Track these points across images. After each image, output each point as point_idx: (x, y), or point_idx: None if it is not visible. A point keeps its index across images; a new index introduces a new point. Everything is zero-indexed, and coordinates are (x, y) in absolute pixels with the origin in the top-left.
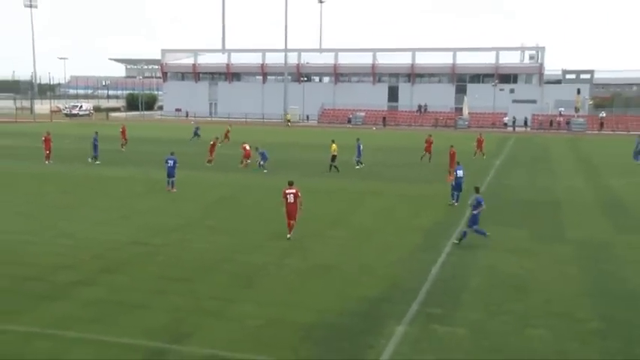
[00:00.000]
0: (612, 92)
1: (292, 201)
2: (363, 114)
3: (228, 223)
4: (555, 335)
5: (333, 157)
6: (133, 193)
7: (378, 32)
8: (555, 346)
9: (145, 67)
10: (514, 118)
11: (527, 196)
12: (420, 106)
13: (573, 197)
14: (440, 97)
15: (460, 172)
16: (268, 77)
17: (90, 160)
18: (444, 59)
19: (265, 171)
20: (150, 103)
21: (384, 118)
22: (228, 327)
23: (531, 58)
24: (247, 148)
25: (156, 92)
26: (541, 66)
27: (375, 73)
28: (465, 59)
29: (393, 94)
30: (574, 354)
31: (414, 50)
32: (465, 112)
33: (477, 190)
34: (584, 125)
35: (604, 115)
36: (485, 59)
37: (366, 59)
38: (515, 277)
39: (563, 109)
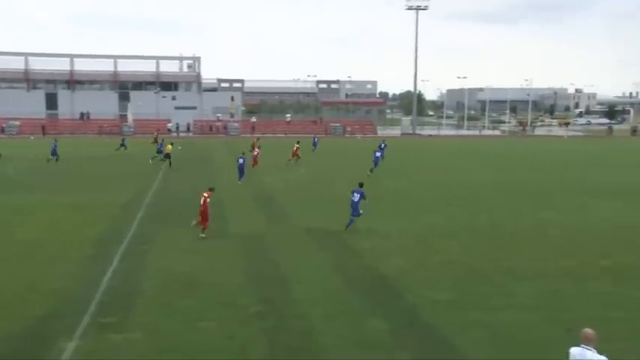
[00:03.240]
0: (260, 100)
1: (202, 203)
2: (18, 123)
3: None
4: (223, 324)
5: (167, 155)
6: None
7: (30, 36)
8: (223, 333)
9: None
10: (177, 124)
11: (194, 197)
12: (82, 114)
13: (234, 195)
14: (103, 105)
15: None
16: None
17: None
18: (104, 66)
19: None
20: None
21: (44, 127)
22: None
23: (189, 67)
24: None
25: None
26: (199, 75)
27: (28, 79)
28: (127, 67)
29: (51, 102)
30: (239, 337)
31: (72, 56)
32: (130, 119)
33: (360, 185)
34: (239, 129)
35: (255, 119)
36: (147, 67)
37: (17, 64)
38: (186, 275)
39: (220, 114)
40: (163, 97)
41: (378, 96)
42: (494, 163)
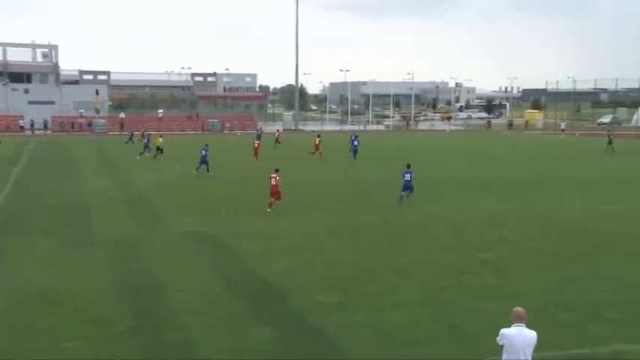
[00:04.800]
0: (129, 93)
1: (274, 183)
2: None
3: None
4: (90, 342)
5: (157, 148)
6: None
7: None
8: (90, 353)
9: None
10: (32, 120)
11: (54, 202)
12: None
13: (100, 198)
14: None
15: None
16: None
17: None
18: None
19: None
20: None
21: None
22: None
23: (45, 56)
24: None
25: None
26: (56, 65)
27: None
28: None
29: None
30: (108, 356)
31: None
32: None
33: (408, 166)
34: (106, 126)
35: (124, 115)
36: None
37: None
38: (45, 290)
39: (83, 110)
40: (13, 89)
41: (258, 90)
42: (380, 158)
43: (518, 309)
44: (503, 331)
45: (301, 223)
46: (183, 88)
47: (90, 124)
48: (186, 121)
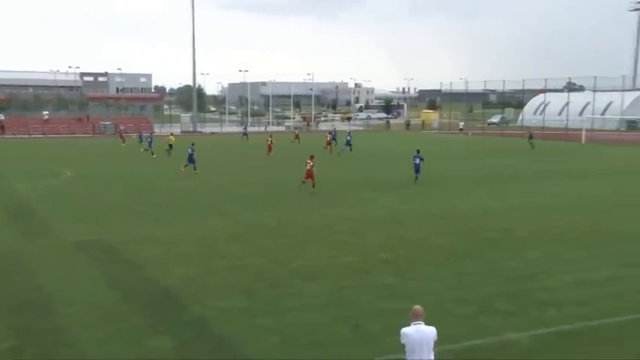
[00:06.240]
0: (8, 93)
1: (309, 167)
2: None
3: None
4: None
5: (170, 145)
6: None
7: None
8: None
9: None
10: None
11: None
12: None
13: None
14: None
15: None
16: None
17: None
18: None
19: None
20: None
21: None
22: None
23: None
24: None
25: None
26: None
27: None
28: None
29: None
30: None
31: None
32: None
33: (418, 151)
34: None
35: (3, 117)
36: None
37: None
38: None
39: None
40: None
41: (153, 91)
42: (280, 159)
43: (416, 307)
44: (403, 330)
45: (200, 227)
46: (71, 88)
47: None
48: (75, 123)
